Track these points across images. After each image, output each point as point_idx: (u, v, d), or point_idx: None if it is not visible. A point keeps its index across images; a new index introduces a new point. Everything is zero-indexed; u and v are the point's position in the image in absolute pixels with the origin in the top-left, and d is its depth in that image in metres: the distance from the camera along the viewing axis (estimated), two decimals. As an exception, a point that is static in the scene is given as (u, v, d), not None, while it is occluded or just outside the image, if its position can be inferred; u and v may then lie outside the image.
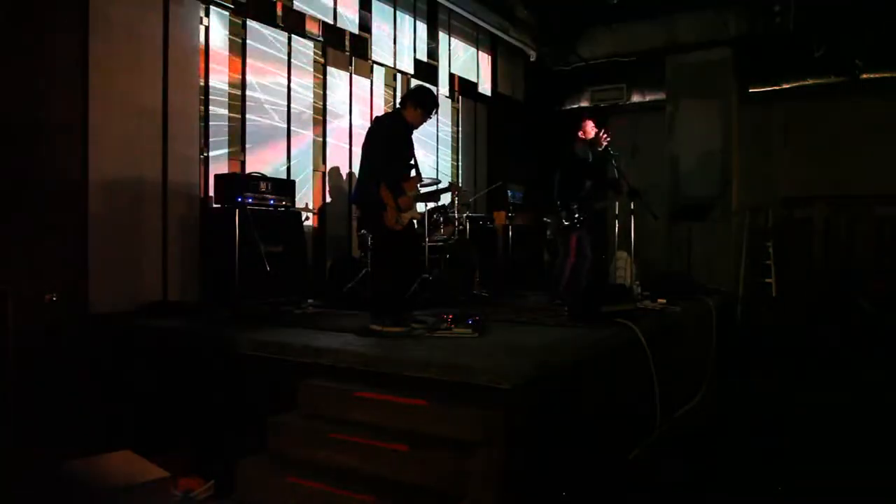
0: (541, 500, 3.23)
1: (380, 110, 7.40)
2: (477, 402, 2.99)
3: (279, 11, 6.34)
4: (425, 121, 4.41)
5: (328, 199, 6.90)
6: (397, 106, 4.46)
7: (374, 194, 4.10)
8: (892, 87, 8.53)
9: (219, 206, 5.02)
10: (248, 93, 6.03)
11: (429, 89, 4.58)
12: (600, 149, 5.91)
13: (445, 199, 7.04)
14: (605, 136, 5.93)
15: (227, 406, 3.96)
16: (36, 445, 3.87)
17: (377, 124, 4.36)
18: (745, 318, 9.15)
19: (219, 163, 5.75)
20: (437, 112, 4.44)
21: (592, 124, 5.90)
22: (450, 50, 8.38)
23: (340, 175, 7.03)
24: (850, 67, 6.81)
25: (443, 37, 8.24)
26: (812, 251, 9.53)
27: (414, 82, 7.97)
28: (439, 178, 6.75)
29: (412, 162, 4.40)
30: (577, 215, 5.66)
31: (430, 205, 6.22)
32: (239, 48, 6.00)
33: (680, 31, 8.66)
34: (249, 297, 4.90)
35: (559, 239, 5.85)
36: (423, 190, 4.97)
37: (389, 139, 4.20)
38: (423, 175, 5.80)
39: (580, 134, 5.92)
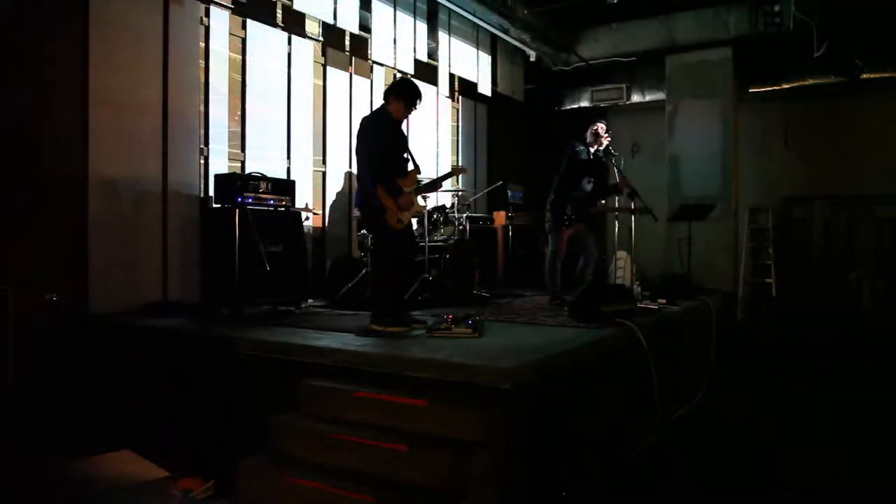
0: (541, 500, 3.23)
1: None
2: (477, 402, 2.99)
3: (279, 11, 6.34)
4: (410, 113, 4.37)
5: (328, 199, 6.90)
6: (381, 102, 4.40)
7: (373, 197, 4.09)
8: (893, 87, 8.54)
9: (219, 206, 5.01)
10: (248, 92, 6.03)
11: (410, 81, 4.52)
12: (601, 148, 5.90)
13: (448, 189, 7.04)
14: (606, 135, 5.92)
15: (227, 406, 3.96)
16: (36, 445, 3.87)
17: (364, 125, 4.31)
18: (745, 318, 9.16)
19: (219, 163, 5.76)
20: (420, 102, 4.39)
21: (602, 125, 5.90)
22: (450, 50, 8.38)
23: (341, 175, 7.03)
24: (850, 67, 6.80)
25: (443, 37, 8.25)
26: (812, 251, 9.53)
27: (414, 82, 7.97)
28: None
29: (407, 156, 4.36)
30: (568, 213, 5.65)
31: (431, 204, 6.22)
32: (239, 48, 6.00)
33: (680, 31, 8.66)
34: (249, 297, 4.90)
35: (552, 236, 5.83)
36: (425, 181, 4.92)
37: (379, 138, 4.15)
38: (425, 175, 5.79)
39: (591, 131, 5.90)
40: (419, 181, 4.55)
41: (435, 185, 5.05)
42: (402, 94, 4.27)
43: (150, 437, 3.92)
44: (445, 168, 8.59)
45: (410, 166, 4.37)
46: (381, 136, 4.16)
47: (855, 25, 6.49)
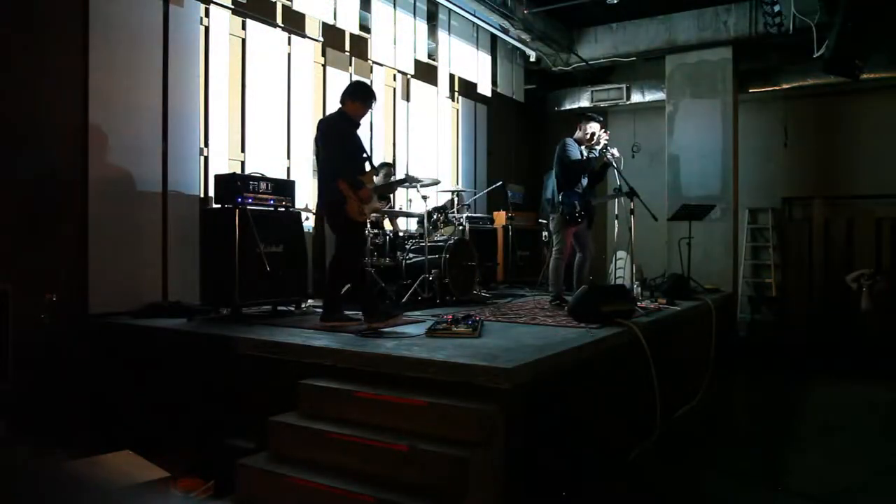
0: (541, 500, 3.23)
1: (379, 110, 7.40)
2: (477, 403, 3.00)
3: (279, 11, 6.34)
4: (367, 111, 4.59)
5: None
6: (339, 106, 4.59)
7: (335, 192, 4.25)
8: (893, 87, 8.54)
9: (219, 206, 5.01)
10: (247, 93, 6.03)
11: (362, 82, 4.80)
12: (597, 147, 5.88)
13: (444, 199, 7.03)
14: (604, 134, 5.90)
15: (227, 406, 3.96)
16: (36, 445, 3.87)
17: (324, 127, 4.51)
18: (745, 318, 9.17)
19: (219, 163, 5.76)
20: (375, 101, 4.63)
21: (597, 125, 5.86)
22: (450, 50, 8.38)
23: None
24: (850, 68, 6.80)
25: (443, 37, 8.24)
26: (812, 251, 9.54)
27: (414, 82, 7.98)
28: (439, 178, 6.73)
29: (365, 156, 4.53)
30: (578, 210, 5.64)
31: (431, 204, 6.21)
32: (239, 48, 6.00)
33: (680, 31, 8.67)
34: (249, 298, 4.90)
35: (557, 235, 5.81)
36: (379, 182, 5.07)
37: (341, 138, 4.36)
38: (424, 175, 5.83)
39: (586, 133, 5.87)
40: (374, 182, 4.72)
41: (390, 187, 5.21)
42: (357, 95, 4.50)
43: (150, 437, 3.92)
44: (445, 169, 8.59)
45: (367, 167, 4.56)
46: (344, 136, 4.38)
47: (855, 25, 6.49)
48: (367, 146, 4.71)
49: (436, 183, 6.37)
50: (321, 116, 6.85)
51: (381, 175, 6.06)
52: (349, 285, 4.52)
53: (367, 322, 4.18)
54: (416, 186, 5.94)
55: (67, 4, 4.71)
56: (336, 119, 4.51)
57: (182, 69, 5.41)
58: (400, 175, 6.76)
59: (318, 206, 4.59)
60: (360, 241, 4.48)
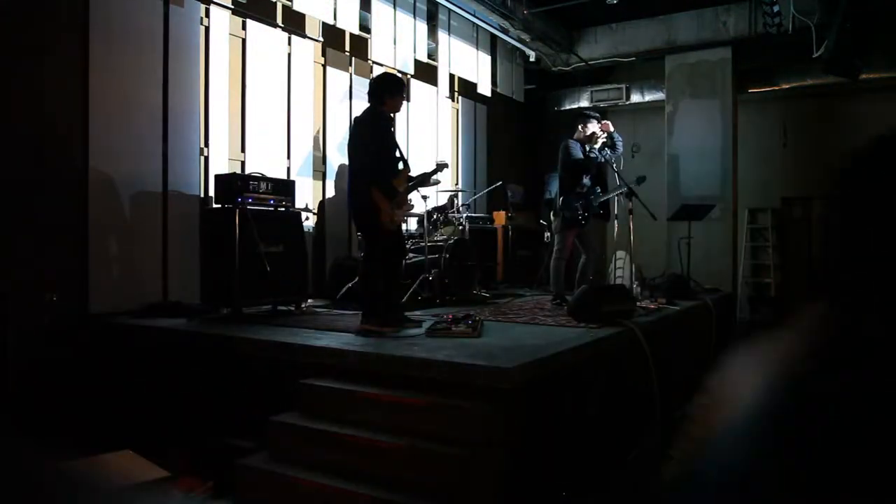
0: (541, 500, 3.23)
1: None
2: (477, 403, 3.00)
3: (279, 11, 6.34)
4: (402, 102, 4.53)
5: (328, 200, 6.90)
6: (368, 104, 4.45)
7: (366, 197, 4.15)
8: (892, 88, 8.54)
9: (219, 206, 5.01)
10: (248, 93, 6.03)
11: (390, 73, 4.76)
12: (597, 146, 5.87)
13: (442, 190, 7.04)
14: (602, 134, 5.90)
15: (227, 406, 3.96)
16: (36, 445, 3.87)
17: (359, 126, 4.38)
18: (745, 317, 9.16)
19: (219, 163, 5.76)
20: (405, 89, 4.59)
21: (597, 124, 5.86)
22: (450, 50, 8.38)
23: (341, 175, 7.03)
24: (849, 68, 6.80)
25: (443, 37, 8.24)
26: (812, 251, 9.54)
27: (414, 82, 7.98)
28: (439, 178, 6.72)
29: (398, 154, 4.43)
30: (580, 212, 5.63)
31: (430, 202, 6.21)
32: (239, 48, 6.00)
33: (680, 31, 8.67)
34: (249, 297, 4.90)
35: (558, 236, 5.80)
36: (414, 178, 4.95)
37: (374, 138, 4.23)
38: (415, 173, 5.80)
39: (582, 128, 5.86)
40: (407, 182, 4.61)
41: (422, 182, 5.08)
42: (393, 89, 4.38)
43: (150, 437, 3.91)
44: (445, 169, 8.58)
45: (400, 165, 4.43)
46: (378, 136, 4.24)
47: (855, 25, 6.50)
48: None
49: (436, 183, 6.36)
50: (322, 116, 6.87)
51: None
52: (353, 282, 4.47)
53: (362, 324, 4.16)
54: (436, 176, 5.76)
55: (67, 4, 4.71)
56: (372, 117, 4.33)
57: (182, 69, 5.41)
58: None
59: (349, 206, 4.50)
60: (389, 243, 4.33)
